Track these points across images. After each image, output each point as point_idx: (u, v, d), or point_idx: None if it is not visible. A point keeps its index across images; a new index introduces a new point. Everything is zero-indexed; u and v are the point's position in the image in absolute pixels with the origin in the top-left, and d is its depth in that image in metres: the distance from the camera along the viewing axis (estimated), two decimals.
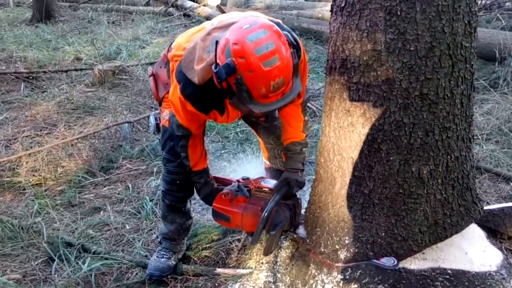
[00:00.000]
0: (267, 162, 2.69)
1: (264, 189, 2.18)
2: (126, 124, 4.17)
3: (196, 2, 9.05)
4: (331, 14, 1.94)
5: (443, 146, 1.83)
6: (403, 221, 1.90)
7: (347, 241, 1.95)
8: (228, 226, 2.27)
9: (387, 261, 1.92)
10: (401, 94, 1.75)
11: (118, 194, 3.22)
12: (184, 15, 8.74)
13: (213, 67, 1.72)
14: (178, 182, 2.25)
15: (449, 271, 1.94)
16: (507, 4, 7.88)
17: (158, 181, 3.31)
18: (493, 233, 2.21)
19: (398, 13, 1.67)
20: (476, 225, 2.12)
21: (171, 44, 2.19)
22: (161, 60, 2.27)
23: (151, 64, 5.90)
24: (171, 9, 8.97)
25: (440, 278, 1.91)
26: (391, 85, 1.75)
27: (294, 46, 1.77)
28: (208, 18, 8.35)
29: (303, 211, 2.29)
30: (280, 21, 1.94)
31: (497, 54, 4.92)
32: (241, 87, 1.68)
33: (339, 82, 1.88)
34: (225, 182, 2.32)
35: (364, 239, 1.93)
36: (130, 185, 3.30)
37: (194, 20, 8.38)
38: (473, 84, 1.86)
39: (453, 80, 1.76)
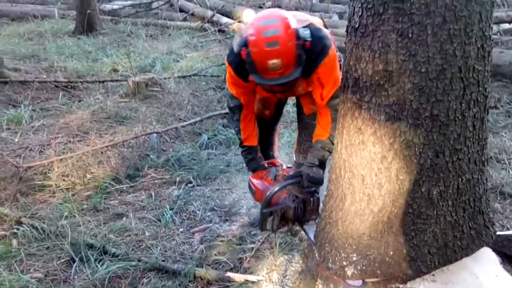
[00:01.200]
0: (294, 156, 2.86)
1: (288, 178, 2.37)
2: (154, 134, 4.31)
3: (231, 19, 9.23)
4: (346, 35, 1.99)
5: (454, 168, 1.83)
6: (412, 241, 1.91)
7: (354, 258, 1.96)
8: (254, 198, 2.58)
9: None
10: (412, 114, 1.77)
11: (141, 201, 3.33)
12: (219, 30, 8.93)
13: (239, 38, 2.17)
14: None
15: None
16: None
17: (180, 191, 3.40)
18: (508, 259, 2.18)
19: (410, 35, 1.70)
20: (490, 250, 2.10)
21: None
22: None
23: (184, 77, 6.08)
24: (207, 25, 9.18)
25: None
26: (401, 105, 1.77)
27: (304, 41, 2.06)
28: None
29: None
30: (318, 20, 2.33)
31: None
32: (249, 59, 2.05)
33: (351, 101, 1.92)
34: (274, 165, 2.63)
35: (372, 257, 1.94)
36: (153, 193, 3.40)
37: (228, 36, 8.54)
38: (487, 107, 1.86)
39: (464, 102, 1.77)
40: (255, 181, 2.47)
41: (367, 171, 1.91)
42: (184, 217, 3.08)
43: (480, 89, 1.80)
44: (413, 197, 1.86)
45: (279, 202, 2.29)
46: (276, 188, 2.26)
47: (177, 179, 3.55)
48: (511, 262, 2.18)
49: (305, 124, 2.65)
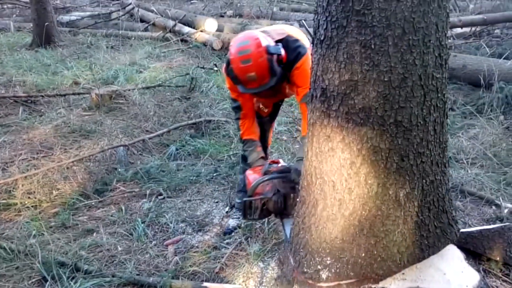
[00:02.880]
0: None
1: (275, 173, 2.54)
2: (121, 147, 4.27)
3: (193, 28, 9.25)
4: (312, 46, 2.07)
5: (418, 171, 1.93)
6: (382, 242, 1.99)
7: (328, 262, 2.03)
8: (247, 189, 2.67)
9: None
10: (377, 121, 1.85)
11: (111, 216, 3.29)
12: (182, 40, 8.93)
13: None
14: None
15: None
16: (496, 31, 8.09)
17: (150, 203, 3.39)
18: (472, 255, 2.29)
19: (372, 46, 1.79)
20: (455, 247, 2.20)
21: None
22: None
23: (148, 88, 6.05)
24: (168, 35, 9.16)
25: None
26: (367, 112, 1.86)
27: (277, 55, 2.42)
28: (205, 43, 8.56)
29: None
30: (296, 30, 2.70)
31: (482, 81, 5.06)
32: (232, 74, 2.45)
33: (320, 110, 1.99)
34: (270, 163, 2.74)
35: (345, 259, 2.01)
36: (123, 207, 3.38)
37: (191, 45, 8.56)
38: (446, 112, 1.97)
39: (425, 108, 1.87)
40: (249, 174, 2.66)
41: (337, 177, 1.98)
42: (156, 230, 3.08)
43: (439, 95, 1.91)
44: (382, 200, 1.94)
45: (262, 193, 2.48)
46: (261, 180, 2.47)
47: (147, 191, 3.54)
48: (475, 257, 2.30)
49: (261, 125, 2.96)
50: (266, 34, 2.52)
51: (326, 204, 2.03)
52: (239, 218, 3.03)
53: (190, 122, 4.88)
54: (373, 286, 2.03)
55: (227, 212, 3.20)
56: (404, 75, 1.81)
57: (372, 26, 1.77)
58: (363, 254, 2.00)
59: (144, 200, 3.48)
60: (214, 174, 3.80)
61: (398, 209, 1.95)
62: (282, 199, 2.45)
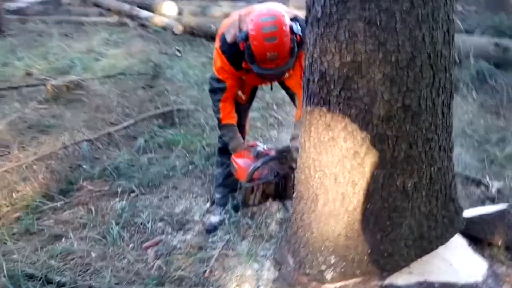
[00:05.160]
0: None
1: (269, 155, 2.47)
2: (85, 142, 3.96)
3: (152, 12, 8.83)
4: (306, 26, 1.87)
5: (426, 158, 1.79)
6: (388, 237, 1.85)
7: (333, 261, 1.87)
8: (235, 176, 2.63)
9: None
10: (384, 106, 1.69)
11: (80, 218, 3.01)
12: (140, 25, 8.50)
13: (238, 32, 2.34)
14: None
15: (436, 285, 1.89)
16: (458, 9, 8.13)
17: (123, 202, 3.13)
18: (474, 240, 2.20)
19: (378, 23, 1.61)
20: (457, 234, 2.10)
21: None
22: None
23: (108, 77, 5.70)
24: (126, 20, 8.71)
25: None
26: (372, 97, 1.69)
27: (299, 35, 2.25)
28: (165, 28, 8.19)
29: None
30: (299, 14, 2.44)
31: (456, 58, 5.01)
32: (249, 51, 2.24)
33: (318, 96, 1.80)
34: (252, 146, 2.68)
35: (350, 257, 1.86)
36: (93, 208, 3.09)
37: (150, 31, 8.17)
38: (452, 93, 1.83)
39: (434, 90, 1.72)
40: (237, 159, 2.55)
41: (339, 169, 1.81)
42: (132, 232, 2.82)
43: (447, 75, 1.76)
44: (388, 192, 1.79)
45: (261, 177, 2.39)
46: (259, 164, 2.38)
47: (118, 189, 3.26)
48: (476, 243, 2.20)
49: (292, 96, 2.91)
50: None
51: (328, 199, 1.86)
52: (221, 214, 2.83)
53: (157, 111, 4.58)
54: (379, 283, 1.89)
55: (208, 208, 2.99)
56: (413, 54, 1.64)
57: (378, 0, 1.58)
58: (369, 251, 1.85)
59: (116, 199, 3.19)
60: (190, 167, 3.56)
61: (406, 200, 1.81)
62: (283, 180, 2.39)
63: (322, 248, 1.89)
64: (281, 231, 2.49)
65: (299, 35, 2.26)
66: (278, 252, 2.17)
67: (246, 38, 2.24)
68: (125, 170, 3.57)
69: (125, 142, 4.15)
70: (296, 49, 2.28)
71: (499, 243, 2.22)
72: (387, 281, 1.88)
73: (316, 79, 1.79)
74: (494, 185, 3.02)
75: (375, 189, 1.79)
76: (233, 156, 2.60)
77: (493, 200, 2.81)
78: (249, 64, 2.33)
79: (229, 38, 2.41)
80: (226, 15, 9.30)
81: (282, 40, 2.19)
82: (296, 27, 2.25)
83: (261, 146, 2.62)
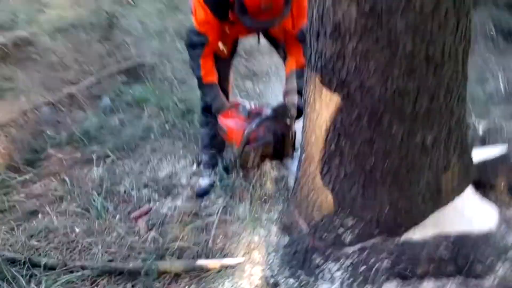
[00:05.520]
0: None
1: (262, 114, 2.30)
2: (45, 105, 3.64)
3: None
4: None
5: (446, 110, 1.69)
6: (406, 194, 1.78)
7: (350, 223, 1.79)
8: (225, 138, 2.50)
9: None
10: (405, 58, 1.55)
11: (55, 190, 2.78)
12: None
13: None
14: None
15: (452, 236, 1.86)
16: None
17: (100, 169, 2.91)
18: (477, 185, 2.17)
19: None
20: None
21: None
22: None
23: (58, 31, 5.22)
24: None
25: (444, 243, 1.84)
26: (394, 49, 1.54)
27: None
28: None
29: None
30: None
31: None
32: (240, 2, 2.02)
33: (331, 50, 1.64)
34: (237, 105, 2.48)
35: (368, 217, 1.78)
36: (67, 179, 2.86)
37: None
38: (471, 40, 1.71)
39: (457, 38, 1.59)
40: (226, 120, 2.37)
41: (355, 128, 1.69)
42: (116, 201, 2.64)
43: (467, 20, 1.62)
44: (407, 149, 1.70)
45: (258, 138, 2.23)
46: (254, 125, 2.23)
47: (93, 156, 3.02)
48: (479, 188, 2.18)
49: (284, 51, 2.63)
50: None
51: (343, 160, 1.75)
52: (210, 176, 2.68)
53: (120, 67, 4.26)
54: (396, 240, 1.84)
55: (194, 171, 2.82)
56: (437, 0, 1.49)
57: None
58: (386, 210, 1.78)
59: (91, 166, 2.97)
60: (167, 127, 3.35)
61: (424, 156, 1.72)
62: (281, 139, 2.25)
63: (339, 211, 1.80)
64: (282, 192, 2.39)
65: None
66: (286, 216, 2.07)
67: None
68: (95, 134, 3.33)
69: (89, 102, 3.87)
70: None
71: (502, 186, 2.22)
72: (404, 238, 1.83)
73: (328, 32, 1.62)
74: (481, 125, 3.01)
75: (393, 147, 1.69)
76: (220, 118, 2.40)
77: (483, 141, 2.79)
78: (239, 17, 2.10)
79: None
80: None
81: None
82: None
83: (247, 104, 2.43)
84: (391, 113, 1.63)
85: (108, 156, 3.06)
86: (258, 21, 2.08)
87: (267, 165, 2.62)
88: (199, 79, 2.41)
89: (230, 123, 2.34)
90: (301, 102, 2.23)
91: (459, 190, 1.88)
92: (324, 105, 1.73)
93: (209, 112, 2.61)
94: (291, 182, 2.42)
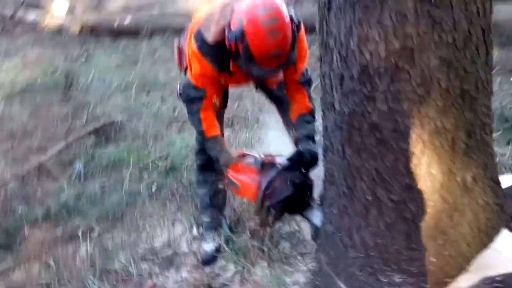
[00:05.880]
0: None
1: (276, 164, 2.12)
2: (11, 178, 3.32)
3: (41, 12, 7.86)
4: (324, 11, 1.57)
5: (482, 144, 1.60)
6: (450, 239, 1.64)
7: (398, 280, 1.62)
8: (237, 194, 2.33)
9: None
10: (441, 95, 1.45)
11: (40, 277, 2.47)
12: (30, 29, 7.55)
13: (226, 30, 1.92)
14: None
15: (498, 278, 1.73)
16: None
17: (88, 246, 2.62)
18: None
19: None
20: None
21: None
22: (185, 33, 2.37)
23: (11, 96, 4.94)
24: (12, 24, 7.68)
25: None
26: (428, 87, 1.44)
27: (296, 25, 1.91)
28: (59, 29, 7.37)
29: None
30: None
31: None
32: (247, 51, 1.86)
33: (360, 94, 1.52)
34: (246, 156, 2.30)
35: (415, 271, 1.62)
36: (51, 262, 2.56)
37: (44, 34, 7.30)
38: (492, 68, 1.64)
39: (487, 68, 1.51)
40: (238, 175, 2.19)
41: (392, 175, 1.56)
42: (114, 281, 2.36)
43: (492, 50, 1.56)
44: (448, 190, 1.57)
45: (276, 192, 2.03)
46: (270, 178, 2.03)
47: (79, 232, 2.73)
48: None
49: (279, 98, 2.48)
50: None
51: (381, 210, 1.60)
52: (214, 239, 2.46)
53: (90, 129, 4.00)
54: None
55: (194, 235, 2.59)
56: (469, 31, 1.41)
57: None
58: (433, 259, 1.63)
59: (76, 243, 2.68)
60: (153, 189, 3.10)
61: (466, 195, 1.61)
62: (302, 191, 2.07)
63: (383, 268, 1.63)
64: (300, 249, 2.21)
65: (296, 23, 1.91)
66: (320, 279, 1.87)
67: (242, 36, 1.84)
68: (74, 205, 3.05)
69: (60, 170, 3.56)
70: (296, 41, 1.94)
71: None
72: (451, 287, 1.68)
73: (355, 75, 1.50)
74: None
75: (434, 190, 1.56)
76: (230, 172, 2.22)
77: None
78: (245, 66, 1.96)
79: (210, 37, 2.02)
80: (125, 8, 8.72)
81: (286, 33, 1.85)
82: (295, 14, 1.91)
83: (255, 154, 2.25)
84: (429, 154, 1.51)
85: (94, 229, 2.78)
86: (265, 69, 1.94)
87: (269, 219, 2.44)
88: (202, 134, 2.28)
89: (242, 177, 2.16)
90: (316, 148, 2.11)
91: (498, 228, 1.77)
92: (355, 152, 1.59)
93: (208, 170, 2.43)
94: (308, 236, 2.25)
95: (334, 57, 1.57)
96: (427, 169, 1.53)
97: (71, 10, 7.98)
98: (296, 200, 2.03)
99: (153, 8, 8.23)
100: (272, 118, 3.82)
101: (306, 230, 2.37)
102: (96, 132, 4.03)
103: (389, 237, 1.62)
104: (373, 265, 1.65)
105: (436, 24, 1.38)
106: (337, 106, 1.62)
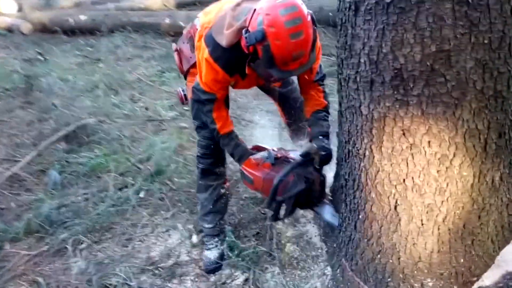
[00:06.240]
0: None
1: (290, 159, 2.12)
2: None
3: None
4: (347, 13, 1.52)
5: (510, 144, 1.60)
6: (478, 238, 1.64)
7: (431, 283, 1.61)
8: (251, 188, 2.28)
9: None
10: (476, 97, 1.44)
11: None
12: None
13: (243, 32, 1.83)
14: (212, 146, 2.36)
15: None
16: None
17: (79, 261, 2.46)
18: None
19: (470, 0, 1.32)
20: None
21: (193, 21, 2.30)
22: (184, 36, 2.39)
23: None
24: None
25: None
26: (463, 89, 1.42)
27: (315, 25, 1.84)
28: (10, 29, 6.95)
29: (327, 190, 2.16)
30: None
31: None
32: (267, 53, 1.78)
33: (392, 98, 1.48)
34: (260, 149, 2.29)
35: (446, 273, 1.62)
36: (40, 279, 2.38)
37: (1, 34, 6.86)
38: None
39: None
40: (251, 170, 2.16)
41: (424, 178, 1.54)
42: None
43: None
44: (478, 191, 1.58)
45: (289, 187, 2.01)
46: (283, 173, 2.00)
47: (69, 246, 2.55)
48: None
49: (284, 96, 2.49)
50: None
51: (412, 214, 1.58)
52: (217, 246, 2.37)
53: (61, 134, 3.77)
54: None
55: (194, 243, 2.49)
56: (503, 32, 1.40)
57: None
58: (462, 260, 1.64)
59: (64, 258, 2.51)
60: (141, 195, 2.96)
61: (493, 195, 1.62)
62: (314, 186, 2.04)
63: (415, 272, 1.62)
64: (309, 253, 2.15)
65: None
66: (343, 285, 1.83)
67: (263, 38, 1.74)
68: (57, 217, 2.84)
69: (34, 180, 3.33)
70: (316, 41, 1.87)
71: None
72: (476, 286, 1.69)
73: (387, 79, 1.46)
74: None
75: (464, 191, 1.56)
76: (244, 166, 2.18)
77: None
78: (263, 68, 1.88)
79: (223, 41, 1.92)
80: (77, 4, 8.33)
81: (308, 34, 1.76)
82: (313, 15, 1.82)
83: (269, 148, 2.22)
84: (461, 156, 1.50)
85: (82, 242, 2.62)
86: (285, 71, 1.87)
87: (279, 223, 2.38)
88: (216, 132, 2.21)
89: (256, 172, 2.13)
90: (330, 145, 2.09)
91: None
92: (386, 157, 1.55)
93: (209, 175, 2.34)
94: (315, 238, 2.21)
95: (362, 61, 1.52)
96: (459, 171, 1.52)
97: (18, 9, 7.54)
98: (308, 195, 2.00)
99: (107, 3, 7.92)
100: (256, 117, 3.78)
101: (312, 232, 2.33)
102: (67, 137, 3.80)
103: (420, 241, 1.60)
104: (404, 269, 1.62)
105: (473, 26, 1.35)
106: (364, 110, 1.57)
